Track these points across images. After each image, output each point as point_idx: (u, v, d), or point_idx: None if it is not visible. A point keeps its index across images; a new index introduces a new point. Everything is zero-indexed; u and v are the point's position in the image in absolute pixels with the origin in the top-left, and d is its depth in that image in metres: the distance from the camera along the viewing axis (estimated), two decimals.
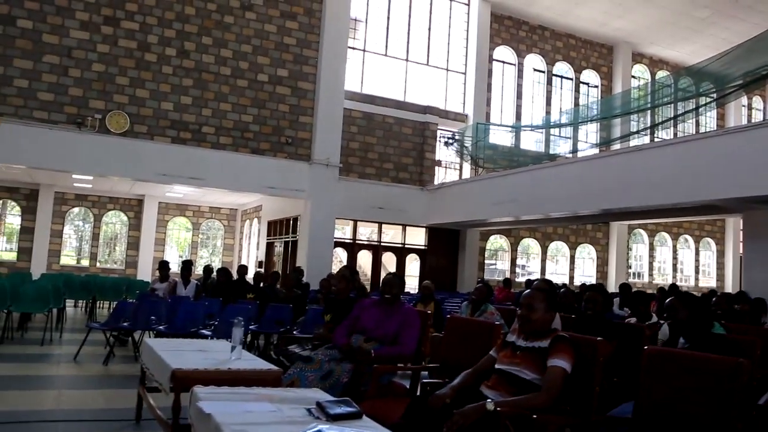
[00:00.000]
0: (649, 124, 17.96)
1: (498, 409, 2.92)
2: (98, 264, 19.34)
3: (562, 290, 7.74)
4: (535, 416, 2.88)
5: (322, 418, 2.68)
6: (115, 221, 19.82)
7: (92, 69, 14.68)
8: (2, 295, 8.88)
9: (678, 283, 22.46)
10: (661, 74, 23.37)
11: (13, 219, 18.43)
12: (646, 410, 2.99)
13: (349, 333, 4.77)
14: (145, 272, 18.55)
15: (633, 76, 22.88)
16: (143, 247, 19.38)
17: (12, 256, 18.17)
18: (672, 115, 17.48)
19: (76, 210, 19.17)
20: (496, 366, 3.38)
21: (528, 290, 3.59)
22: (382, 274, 18.13)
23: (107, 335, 8.18)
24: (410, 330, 4.64)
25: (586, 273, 22.50)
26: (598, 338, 3.30)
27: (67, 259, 19.15)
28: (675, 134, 20.37)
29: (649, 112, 17.64)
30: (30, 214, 18.08)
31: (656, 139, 18.32)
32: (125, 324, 8.01)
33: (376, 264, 18.36)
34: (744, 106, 23.92)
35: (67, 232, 19.19)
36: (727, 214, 19.56)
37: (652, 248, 23.79)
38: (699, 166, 10.83)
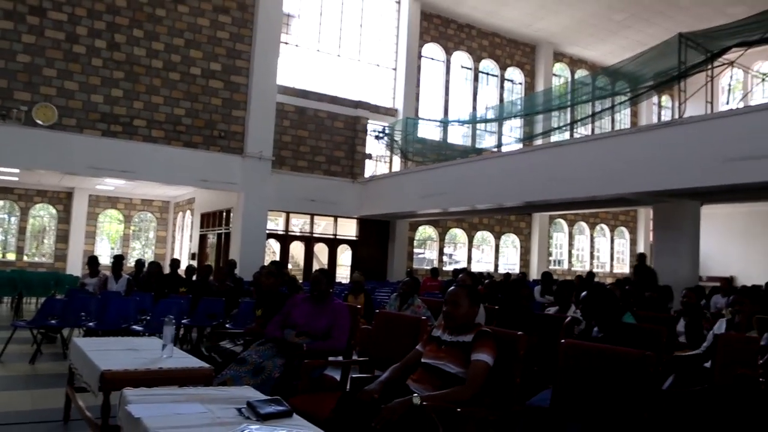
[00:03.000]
0: (569, 121, 18.47)
1: (424, 403, 2.99)
2: (25, 258, 18.57)
3: (486, 281, 7.96)
4: (459, 409, 2.95)
5: (253, 417, 2.68)
6: (43, 214, 19.09)
7: (17, 60, 14.06)
8: None
9: (594, 270, 23.32)
10: (580, 73, 24.08)
11: None
12: (563, 400, 3.11)
13: (281, 327, 4.78)
14: (75, 266, 17.95)
15: (554, 74, 23.49)
16: (73, 241, 18.73)
17: None
18: (590, 113, 18.02)
19: (1, 203, 18.35)
20: (422, 360, 3.43)
21: (452, 287, 3.66)
22: (315, 265, 18.13)
23: (34, 333, 7.85)
24: (341, 325, 4.69)
25: (510, 261, 23.03)
26: (519, 332, 3.40)
27: None
28: (593, 131, 20.99)
29: (569, 109, 18.14)
30: None
31: (576, 135, 18.90)
32: (53, 321, 7.73)
33: (309, 255, 18.32)
34: (655, 104, 24.89)
35: None
36: (639, 206, 20.40)
37: (571, 237, 24.56)
38: (613, 161, 11.28)
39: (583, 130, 20.70)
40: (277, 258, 17.49)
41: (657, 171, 10.46)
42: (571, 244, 24.55)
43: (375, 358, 4.44)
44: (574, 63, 24.23)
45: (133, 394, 3.00)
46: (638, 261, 12.24)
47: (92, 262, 9.92)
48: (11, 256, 18.49)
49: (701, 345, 5.29)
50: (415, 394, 3.04)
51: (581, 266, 24.21)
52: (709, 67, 12.30)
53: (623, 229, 25.69)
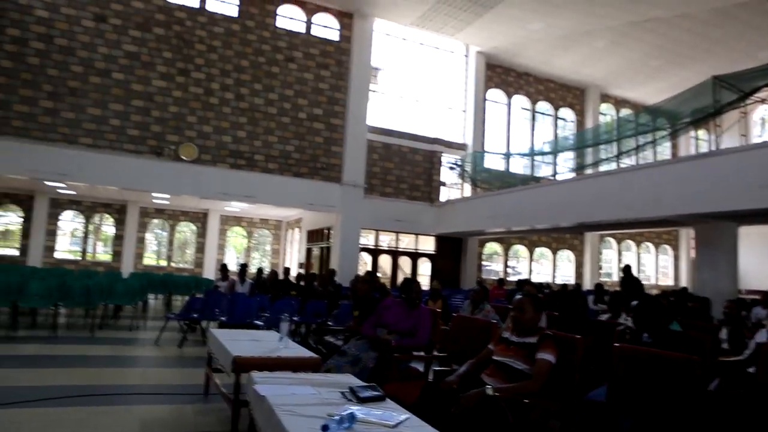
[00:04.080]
0: (615, 153, 17.81)
1: (496, 393, 2.94)
2: (173, 264, 19.50)
3: (546, 291, 7.72)
4: (526, 400, 2.89)
5: (353, 400, 2.72)
6: (186, 230, 20.00)
7: (168, 110, 14.91)
8: (100, 290, 9.02)
9: (644, 282, 22.24)
10: (624, 111, 23.17)
11: (108, 228, 18.64)
12: (616, 396, 2.99)
13: (375, 326, 4.80)
14: (210, 271, 18.68)
15: (601, 113, 22.71)
16: (208, 251, 19.52)
17: (108, 257, 18.39)
18: (634, 146, 17.32)
19: (156, 221, 19.37)
20: (493, 357, 3.39)
21: (519, 296, 3.59)
22: (400, 275, 18.13)
23: (181, 323, 8.27)
24: (424, 325, 4.68)
25: (565, 273, 22.28)
26: (577, 336, 3.29)
27: (149, 260, 19.32)
28: (637, 161, 20.16)
29: (615, 142, 17.49)
30: (120, 224, 18.32)
31: (622, 165, 18.17)
32: (195, 315, 8.09)
33: (394, 266, 18.35)
34: (693, 137, 23.61)
35: (148, 238, 19.38)
36: (680, 227, 19.34)
37: (619, 253, 23.52)
38: (656, 188, 10.78)
39: (628, 161, 19.88)
40: (369, 268, 17.63)
41: (697, 196, 9.91)
42: (619, 260, 23.50)
43: (452, 354, 4.40)
44: (619, 103, 23.37)
45: (258, 376, 3.10)
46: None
47: (223, 268, 10.31)
48: (163, 263, 19.44)
49: (743, 352, 4.93)
50: (488, 386, 2.99)
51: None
52: (742, 104, 11.64)
53: (666, 246, 24.38)
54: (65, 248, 18.25)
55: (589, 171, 17.61)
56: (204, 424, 4.19)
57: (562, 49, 19.04)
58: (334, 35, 17.19)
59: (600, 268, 22.56)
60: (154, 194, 15.90)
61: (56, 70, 13.98)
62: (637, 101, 23.16)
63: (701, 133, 23.91)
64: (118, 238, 18.31)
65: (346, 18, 17.20)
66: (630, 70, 20.50)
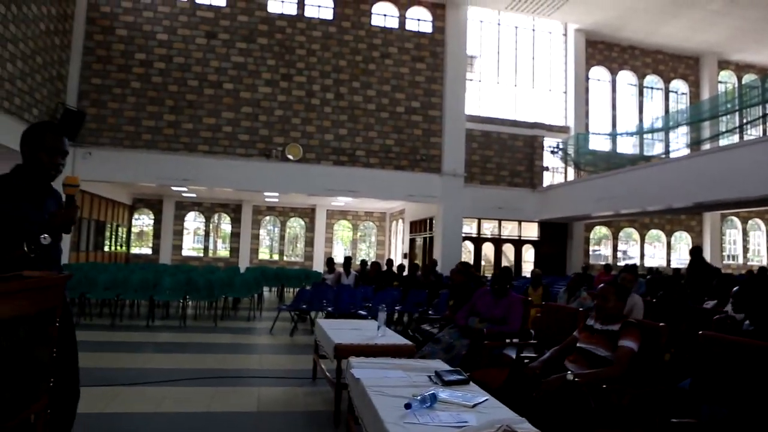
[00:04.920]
0: (737, 124, 16.42)
1: (576, 379, 3.03)
2: (285, 258, 20.70)
3: (648, 277, 7.42)
4: (604, 386, 2.94)
5: (438, 383, 2.93)
6: (296, 225, 21.13)
7: (274, 114, 15.83)
8: (221, 284, 9.88)
9: None
10: (748, 77, 21.17)
11: (226, 227, 20.22)
12: (699, 384, 2.95)
13: (468, 315, 4.98)
14: (319, 264, 19.63)
15: (720, 82, 20.96)
16: (316, 244, 20.53)
17: (227, 253, 19.95)
18: (760, 115, 15.86)
19: (268, 218, 20.66)
20: (578, 344, 3.45)
21: (602, 285, 3.61)
22: (504, 262, 18.01)
23: (292, 314, 8.85)
24: (515, 313, 4.79)
25: (682, 257, 20.91)
26: (661, 324, 3.27)
27: (263, 255, 20.67)
28: (764, 131, 18.42)
29: (737, 113, 16.12)
30: (236, 222, 19.78)
31: (746, 137, 16.74)
32: (304, 306, 8.63)
33: (498, 254, 18.24)
34: None
35: (262, 234, 20.72)
36: None
37: (745, 233, 21.66)
38: None
39: (753, 132, 18.26)
40: (471, 257, 17.68)
41: None
42: (745, 240, 21.64)
43: (543, 340, 4.47)
44: (741, 69, 21.39)
45: (356, 362, 3.39)
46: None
47: (329, 262, 10.87)
48: (276, 257, 20.72)
49: None
50: (569, 372, 3.08)
51: (759, 261, 21.23)
52: None
53: None
54: (190, 246, 20.02)
55: (706, 146, 16.41)
56: (311, 404, 4.61)
57: (670, 15, 17.71)
58: (428, 27, 17.31)
59: (722, 250, 20.93)
60: (265, 193, 16.99)
61: (176, 86, 15.35)
62: (764, 65, 21.09)
63: None
64: (235, 236, 19.78)
65: (438, 9, 17.26)
66: (753, 31, 18.50)
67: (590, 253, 19.97)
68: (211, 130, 15.47)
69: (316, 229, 20.64)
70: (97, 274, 9.30)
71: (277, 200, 19.14)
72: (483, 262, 18.06)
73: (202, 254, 19.85)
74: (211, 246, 20.17)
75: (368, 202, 19.32)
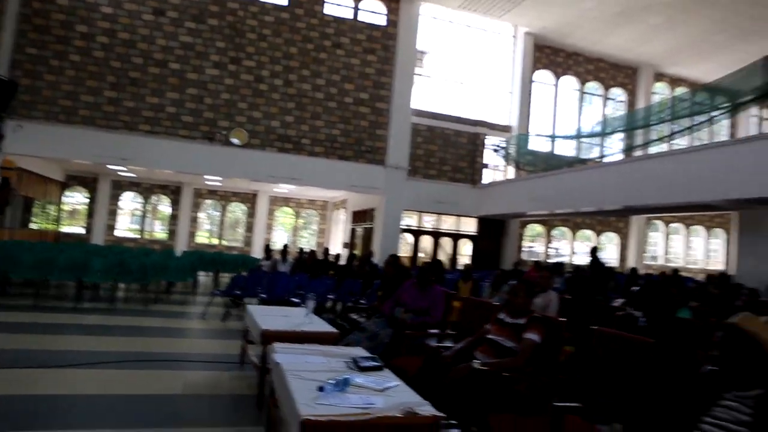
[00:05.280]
0: (667, 134, 17.34)
1: (482, 367, 3.27)
2: (224, 243, 20.45)
3: (568, 274, 7.89)
4: (505, 374, 3.20)
5: (354, 368, 3.11)
6: (237, 210, 20.87)
7: (221, 97, 15.60)
8: (155, 268, 9.75)
9: (690, 266, 21.72)
10: (679, 90, 22.36)
11: (165, 208, 19.77)
12: (592, 374, 3.24)
13: (394, 306, 5.19)
14: (258, 250, 19.47)
15: (653, 93, 22.04)
16: (257, 230, 20.35)
17: (164, 236, 19.51)
18: (689, 126, 16.80)
19: (208, 201, 20.32)
20: (488, 336, 3.71)
21: (513, 281, 3.87)
22: (441, 256, 18.42)
23: (226, 299, 8.86)
24: (437, 305, 5.03)
25: (609, 256, 21.98)
26: (563, 319, 3.55)
27: (202, 238, 20.33)
28: (692, 142, 19.53)
29: (668, 123, 17.01)
30: (176, 204, 19.37)
31: (674, 147, 17.71)
32: (238, 292, 8.66)
33: (436, 247, 18.65)
34: (756, 116, 22.60)
35: (201, 217, 20.37)
36: (725, 211, 18.71)
37: (667, 236, 22.98)
38: (703, 171, 10.51)
39: (681, 142, 19.33)
40: (411, 249, 18.02)
41: (743, 180, 9.70)
42: (667, 243, 22.97)
43: (463, 331, 4.73)
44: (675, 81, 22.57)
45: (279, 347, 3.53)
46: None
47: (266, 249, 10.92)
48: (215, 241, 20.44)
49: None
50: (476, 360, 3.33)
51: (677, 263, 22.54)
52: None
53: (718, 230, 23.58)
54: (125, 227, 19.48)
55: (638, 153, 17.28)
56: (237, 388, 4.72)
57: (615, 26, 18.49)
58: (381, 20, 17.41)
59: (645, 251, 22.12)
60: (207, 177, 16.73)
61: (119, 62, 14.87)
62: (695, 80, 22.28)
63: (766, 112, 22.88)
64: (174, 218, 19.38)
65: (393, 2, 17.38)
66: (689, 47, 19.59)
67: (524, 249, 20.68)
68: (154, 110, 15.09)
69: (258, 215, 20.47)
70: (21, 253, 8.99)
71: (219, 184, 18.87)
72: (422, 254, 18.43)
73: (138, 235, 19.36)
74: (147, 227, 19.69)
75: (311, 190, 19.32)
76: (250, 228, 20.51)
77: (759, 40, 17.79)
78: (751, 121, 22.62)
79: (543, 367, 3.43)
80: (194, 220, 19.81)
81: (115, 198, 18.78)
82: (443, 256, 18.48)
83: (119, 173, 17.41)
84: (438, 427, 2.42)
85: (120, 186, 18.83)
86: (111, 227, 18.70)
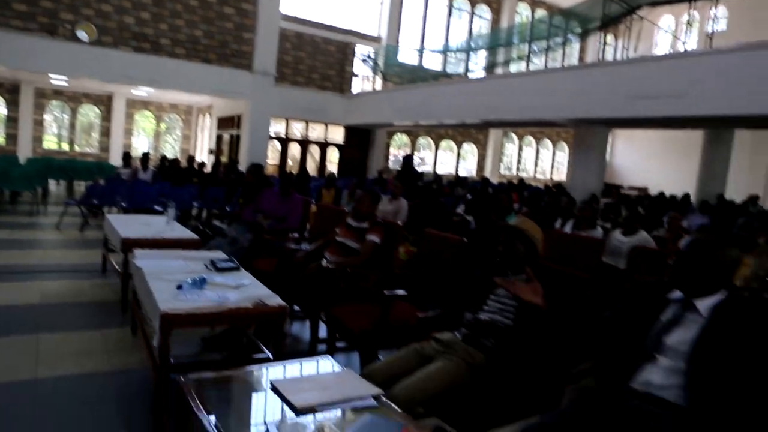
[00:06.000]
0: (526, 53, 18.45)
1: (329, 265, 3.75)
2: (76, 148, 18.99)
3: (420, 183, 8.65)
4: (349, 270, 3.70)
5: (212, 269, 3.43)
6: (89, 113, 19.30)
7: None
8: None
9: (537, 176, 23.98)
10: (540, 12, 23.63)
11: (0, 109, 17.69)
12: (421, 269, 3.85)
13: (254, 212, 5.48)
14: (117, 157, 18.36)
15: (517, 12, 23.09)
16: (114, 136, 19.07)
17: (1, 140, 17.61)
18: (545, 47, 18.00)
19: (55, 102, 18.53)
20: (336, 239, 4.18)
21: (359, 191, 4.32)
22: (309, 163, 18.70)
23: (82, 209, 8.55)
24: (295, 212, 5.41)
25: (469, 166, 23.63)
26: (399, 222, 4.09)
27: (50, 144, 18.69)
28: (546, 63, 20.94)
29: (527, 43, 18.07)
30: (14, 105, 17.40)
31: (531, 67, 18.96)
32: (95, 201, 8.40)
33: (304, 155, 18.83)
34: (600, 42, 24.59)
35: (47, 120, 18.60)
36: (564, 128, 20.77)
37: (520, 148, 25.04)
38: (549, 91, 11.53)
39: (537, 61, 20.67)
40: (278, 157, 18.05)
41: (577, 102, 10.90)
42: (520, 155, 25.08)
43: (316, 235, 5.17)
44: (536, 3, 23.75)
45: (140, 253, 3.72)
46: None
47: (125, 156, 10.50)
48: (66, 147, 18.87)
49: None
50: (325, 260, 3.79)
51: (526, 174, 24.79)
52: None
53: (564, 143, 26.13)
54: None
55: (499, 70, 18.34)
56: (100, 294, 4.86)
57: None
58: None
59: (501, 161, 24.04)
60: (50, 75, 15.20)
61: None
62: (553, 3, 23.58)
63: (609, 38, 24.93)
64: (12, 120, 17.47)
65: None
66: None
67: (390, 158, 21.55)
68: None
69: (114, 119, 19.07)
70: None
71: (66, 84, 17.16)
72: (290, 162, 18.56)
73: None
74: None
75: (173, 94, 18.28)
76: (106, 133, 19.13)
77: None
78: (598, 46, 24.61)
79: (383, 263, 3.99)
80: (39, 124, 18.03)
81: None
82: (311, 164, 18.77)
83: None
84: (284, 315, 2.85)
85: None
86: None
